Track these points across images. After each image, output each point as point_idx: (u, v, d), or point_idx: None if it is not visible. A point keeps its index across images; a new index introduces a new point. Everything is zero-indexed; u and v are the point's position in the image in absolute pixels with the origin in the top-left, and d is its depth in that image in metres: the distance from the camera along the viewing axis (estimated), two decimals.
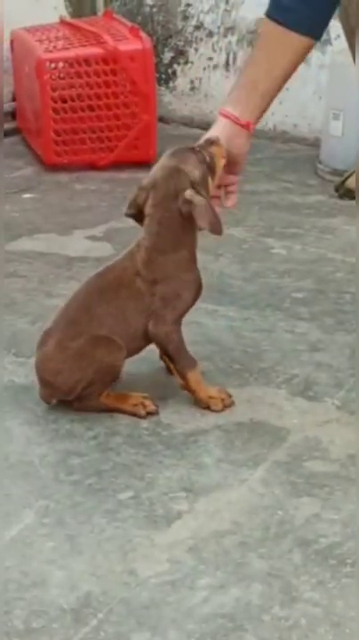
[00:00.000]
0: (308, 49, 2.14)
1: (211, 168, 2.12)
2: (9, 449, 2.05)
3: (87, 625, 1.60)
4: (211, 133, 2.15)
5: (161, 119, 4.10)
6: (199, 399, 2.17)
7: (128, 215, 2.18)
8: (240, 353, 2.42)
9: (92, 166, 3.81)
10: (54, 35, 3.93)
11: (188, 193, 2.06)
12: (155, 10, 4.44)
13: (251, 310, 2.65)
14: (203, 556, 1.74)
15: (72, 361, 2.10)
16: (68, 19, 4.25)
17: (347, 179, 3.43)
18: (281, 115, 4.10)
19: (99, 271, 2.17)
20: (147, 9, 4.45)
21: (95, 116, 3.79)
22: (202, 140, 2.16)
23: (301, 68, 4.03)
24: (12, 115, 4.21)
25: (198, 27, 4.32)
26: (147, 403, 2.16)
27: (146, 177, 2.15)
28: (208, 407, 2.17)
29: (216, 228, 2.07)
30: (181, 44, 4.38)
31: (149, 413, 2.15)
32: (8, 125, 4.11)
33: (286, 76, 2.15)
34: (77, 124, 3.79)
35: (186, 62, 4.39)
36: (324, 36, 3.92)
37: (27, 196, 3.55)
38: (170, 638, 1.57)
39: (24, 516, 1.85)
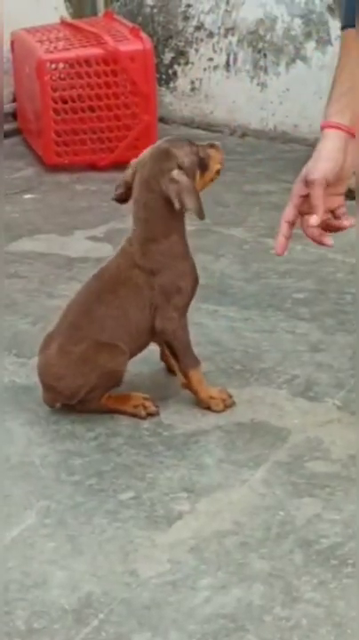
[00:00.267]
0: None
1: (202, 165, 2.11)
2: (10, 450, 2.05)
3: (88, 625, 1.60)
4: (322, 151, 1.93)
5: (161, 120, 4.10)
6: (200, 399, 2.17)
7: (116, 196, 2.16)
8: (241, 353, 2.42)
9: (93, 167, 3.82)
10: (55, 35, 3.94)
11: (175, 172, 2.06)
12: (155, 10, 4.44)
13: (251, 311, 2.65)
14: (205, 556, 1.74)
15: (75, 366, 2.10)
16: (69, 19, 4.25)
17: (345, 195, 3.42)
18: (281, 115, 4.10)
19: (95, 273, 2.17)
20: (148, 9, 4.46)
21: (96, 117, 3.80)
22: (206, 143, 2.17)
23: (302, 68, 4.08)
24: (13, 115, 4.21)
25: (199, 27, 4.32)
26: (148, 404, 2.16)
27: None
28: (209, 407, 2.17)
29: (200, 213, 2.07)
30: (182, 44, 4.38)
31: (150, 414, 2.16)
32: (9, 126, 4.12)
33: None
34: (78, 125, 3.79)
35: (186, 63, 4.39)
36: (325, 37, 3.97)
37: (27, 196, 3.55)
38: (171, 638, 1.57)
39: (25, 516, 1.85)
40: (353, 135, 1.90)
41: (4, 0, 3.79)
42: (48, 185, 3.67)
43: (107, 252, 2.97)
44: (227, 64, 4.27)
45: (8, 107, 4.18)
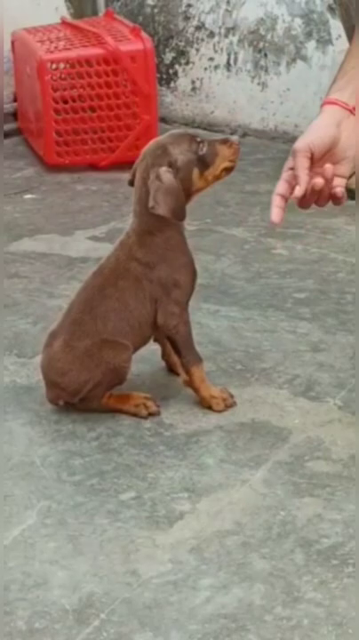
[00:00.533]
0: None
1: (203, 162, 2.08)
2: (11, 449, 2.05)
3: (89, 625, 1.60)
4: (312, 125, 1.91)
5: (162, 119, 4.10)
6: (201, 397, 2.17)
7: (129, 182, 2.16)
8: (242, 353, 2.42)
9: (94, 167, 3.81)
10: (55, 35, 3.94)
11: (162, 170, 2.05)
12: (156, 10, 4.44)
13: (252, 311, 2.65)
14: (206, 556, 1.74)
15: (79, 361, 2.10)
16: (70, 19, 4.25)
17: (348, 179, 3.42)
18: (282, 115, 4.10)
19: (95, 270, 2.18)
20: (149, 9, 4.45)
21: (96, 117, 3.79)
22: (222, 136, 2.14)
23: (302, 68, 4.08)
24: (14, 115, 4.20)
25: (199, 27, 4.32)
26: (149, 403, 2.16)
27: None
28: (210, 407, 2.17)
29: (177, 214, 2.06)
30: (182, 44, 4.38)
31: (151, 414, 2.16)
32: (9, 126, 4.12)
33: None
34: (79, 125, 3.79)
35: (187, 63, 4.39)
36: (325, 37, 3.96)
37: (28, 196, 3.55)
38: (172, 638, 1.57)
39: (26, 516, 1.85)
40: (351, 111, 1.87)
41: (5, 0, 3.79)
42: (49, 185, 3.67)
43: (108, 251, 2.98)
44: (228, 64, 4.27)
45: (9, 107, 4.17)
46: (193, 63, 4.37)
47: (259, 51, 4.16)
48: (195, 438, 2.09)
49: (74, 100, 3.77)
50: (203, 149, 2.09)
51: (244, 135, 4.16)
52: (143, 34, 3.85)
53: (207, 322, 2.55)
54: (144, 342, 2.18)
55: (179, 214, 2.06)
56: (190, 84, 4.40)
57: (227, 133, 4.15)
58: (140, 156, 2.12)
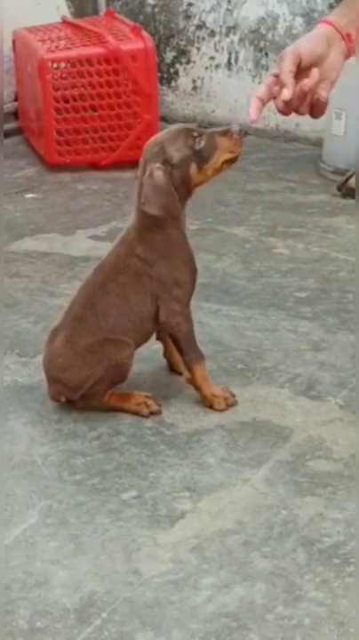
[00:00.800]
0: None
1: (202, 157, 2.07)
2: (12, 449, 2.05)
3: (91, 624, 1.60)
4: (306, 39, 1.88)
5: (163, 119, 4.10)
6: (203, 396, 2.17)
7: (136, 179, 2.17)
8: (243, 352, 2.42)
9: (95, 166, 3.81)
10: (56, 35, 3.94)
11: (155, 167, 2.04)
12: (157, 9, 4.44)
13: (253, 310, 2.65)
14: (207, 555, 1.74)
15: (81, 357, 2.10)
16: (70, 19, 4.25)
17: (349, 178, 3.43)
18: None
19: (95, 266, 2.18)
20: (149, 8, 4.45)
21: (97, 116, 3.80)
22: (222, 127, 2.12)
23: None
24: (15, 115, 4.21)
25: (200, 26, 4.32)
26: (151, 402, 2.16)
27: None
28: (211, 406, 2.17)
29: (169, 211, 2.05)
30: (183, 43, 4.38)
31: (152, 413, 2.16)
32: (10, 125, 4.12)
33: None
34: (79, 124, 3.79)
35: (188, 62, 4.39)
36: None
37: (29, 196, 3.55)
38: (173, 637, 1.57)
39: (27, 515, 1.85)
40: (344, 37, 1.87)
41: (7, 0, 3.79)
42: (50, 184, 3.67)
43: (109, 248, 2.98)
44: (229, 63, 4.27)
45: (10, 106, 4.18)
46: (194, 62, 4.37)
47: (260, 50, 4.16)
48: (196, 437, 2.09)
49: (75, 100, 3.77)
50: (201, 144, 2.06)
51: (245, 134, 4.14)
52: (144, 33, 3.85)
53: (208, 321, 2.55)
54: (145, 339, 2.18)
55: (172, 211, 2.05)
56: (191, 83, 4.40)
57: None
58: (143, 154, 2.12)
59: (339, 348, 2.44)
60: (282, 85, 1.81)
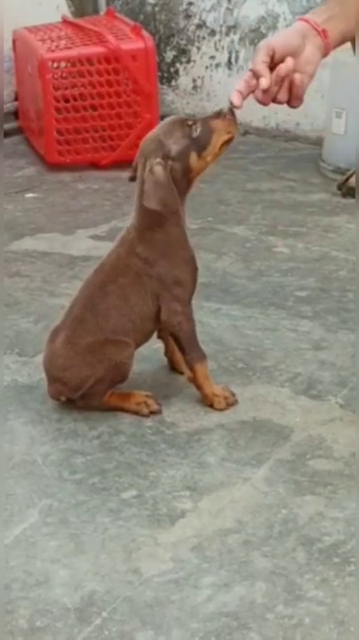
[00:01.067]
0: None
1: (200, 144, 2.05)
2: (12, 448, 2.05)
3: (91, 624, 1.60)
4: (279, 34, 1.94)
5: (163, 118, 4.08)
6: (204, 394, 2.17)
7: (129, 179, 2.15)
8: (243, 352, 2.42)
9: (95, 165, 3.82)
10: (56, 34, 3.94)
11: (154, 162, 2.03)
12: (157, 9, 4.44)
13: (254, 309, 2.65)
14: (207, 554, 1.74)
15: (81, 357, 2.10)
16: (71, 18, 4.25)
17: (349, 177, 3.43)
18: (283, 113, 4.10)
19: (96, 267, 2.17)
20: (150, 8, 4.45)
21: (97, 116, 3.80)
22: (214, 111, 2.10)
23: None
24: (15, 114, 4.21)
25: (200, 25, 4.32)
26: (151, 402, 2.16)
27: None
28: (211, 405, 2.17)
29: (168, 206, 2.04)
30: (183, 42, 4.38)
31: (153, 412, 2.16)
32: (10, 125, 4.12)
33: None
34: (80, 124, 3.79)
35: (188, 61, 4.39)
36: None
37: (29, 195, 3.55)
38: (174, 637, 1.57)
39: (28, 515, 1.85)
40: (319, 33, 1.92)
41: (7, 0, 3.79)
42: (50, 184, 3.67)
43: (109, 248, 2.98)
44: (229, 62, 4.27)
45: (10, 105, 4.18)
46: (194, 62, 4.37)
47: None
48: (196, 437, 2.09)
49: (75, 99, 3.77)
50: (197, 130, 2.05)
51: (246, 133, 4.16)
52: (144, 32, 3.85)
53: (208, 320, 2.55)
54: (146, 338, 2.18)
55: (171, 206, 2.05)
56: (191, 83, 4.40)
57: None
58: (138, 152, 2.11)
59: (339, 347, 2.44)
60: (258, 76, 1.89)
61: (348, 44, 2.24)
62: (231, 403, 2.18)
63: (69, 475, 1.97)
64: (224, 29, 4.26)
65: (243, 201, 3.44)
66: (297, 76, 1.91)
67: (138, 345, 2.16)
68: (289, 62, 1.89)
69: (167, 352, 2.30)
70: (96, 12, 4.51)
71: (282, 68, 1.88)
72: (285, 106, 1.96)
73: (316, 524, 1.82)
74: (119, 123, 3.81)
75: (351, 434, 2.08)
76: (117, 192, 3.54)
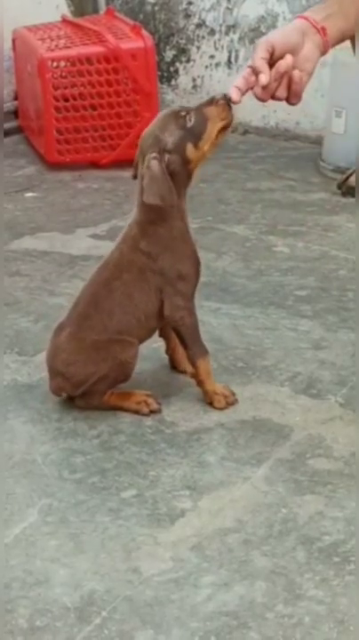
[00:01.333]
0: None
1: (196, 133, 2.04)
2: (12, 448, 2.05)
3: (91, 623, 1.60)
4: (278, 30, 1.94)
5: None
6: (205, 391, 2.17)
7: (132, 176, 2.15)
8: (243, 351, 2.42)
9: (95, 165, 3.81)
10: (56, 33, 3.94)
11: (151, 157, 2.03)
12: (156, 8, 4.44)
13: (254, 308, 2.65)
14: (207, 553, 1.74)
15: (86, 354, 2.10)
16: (70, 17, 4.24)
17: (349, 176, 3.43)
18: (283, 112, 4.10)
19: (100, 265, 2.18)
20: (149, 7, 4.45)
21: (97, 115, 3.80)
22: (206, 99, 2.08)
23: None
24: (15, 114, 4.21)
25: (200, 25, 4.32)
26: (151, 401, 2.16)
27: None
28: (211, 403, 2.17)
29: (165, 199, 2.04)
30: (183, 42, 4.38)
31: (152, 412, 2.16)
32: (10, 124, 4.12)
33: None
34: (79, 123, 3.79)
35: (188, 60, 4.39)
36: None
37: (29, 194, 3.55)
38: (173, 636, 1.57)
39: (27, 514, 1.85)
40: (318, 30, 1.92)
41: None
42: (50, 183, 3.67)
43: (109, 249, 2.97)
44: (229, 61, 4.27)
45: (9, 105, 4.18)
46: (194, 61, 4.37)
47: None
48: (196, 436, 2.09)
49: (74, 99, 3.77)
50: (191, 120, 2.04)
51: (245, 133, 4.16)
52: (144, 32, 3.85)
53: (208, 319, 2.55)
54: (149, 335, 2.18)
55: (168, 199, 2.04)
56: (191, 82, 4.40)
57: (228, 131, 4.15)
58: (138, 149, 2.11)
59: (339, 346, 2.44)
60: (257, 72, 1.88)
61: (348, 44, 2.24)
62: (231, 402, 2.18)
63: (69, 474, 1.97)
64: (224, 29, 4.26)
65: (242, 200, 3.44)
66: (296, 73, 1.91)
67: (141, 342, 2.16)
68: (288, 59, 1.89)
69: (168, 350, 2.30)
70: (96, 11, 4.50)
71: (281, 65, 1.89)
72: (284, 103, 1.96)
73: (316, 523, 1.82)
74: (119, 122, 3.81)
75: (351, 433, 2.08)
76: (117, 191, 3.54)
